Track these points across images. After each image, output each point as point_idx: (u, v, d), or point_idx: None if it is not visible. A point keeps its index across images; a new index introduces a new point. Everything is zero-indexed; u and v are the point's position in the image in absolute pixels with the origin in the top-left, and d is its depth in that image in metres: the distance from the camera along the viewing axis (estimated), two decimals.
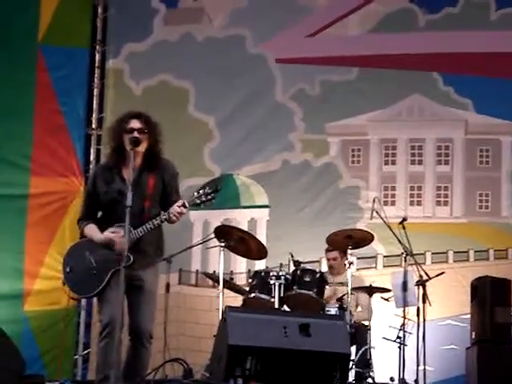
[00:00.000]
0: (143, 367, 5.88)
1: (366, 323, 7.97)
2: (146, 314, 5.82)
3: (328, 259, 8.48)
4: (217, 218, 9.46)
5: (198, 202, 5.81)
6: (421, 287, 7.93)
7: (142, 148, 5.90)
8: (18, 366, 6.22)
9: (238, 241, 7.92)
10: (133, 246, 5.71)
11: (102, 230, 5.88)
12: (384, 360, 8.09)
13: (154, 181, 5.91)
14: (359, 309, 8.29)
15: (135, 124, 5.90)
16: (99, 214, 6.02)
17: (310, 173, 9.67)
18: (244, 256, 8.47)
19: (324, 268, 8.69)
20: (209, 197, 5.81)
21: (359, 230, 8.48)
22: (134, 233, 5.76)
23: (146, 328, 5.80)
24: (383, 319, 8.26)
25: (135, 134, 5.85)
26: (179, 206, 5.75)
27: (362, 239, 8.10)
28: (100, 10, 10.04)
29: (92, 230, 5.91)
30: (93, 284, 5.81)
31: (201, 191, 5.83)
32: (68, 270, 5.91)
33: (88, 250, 5.88)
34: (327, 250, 8.42)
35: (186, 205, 5.77)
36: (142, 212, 5.83)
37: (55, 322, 9.04)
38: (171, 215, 5.75)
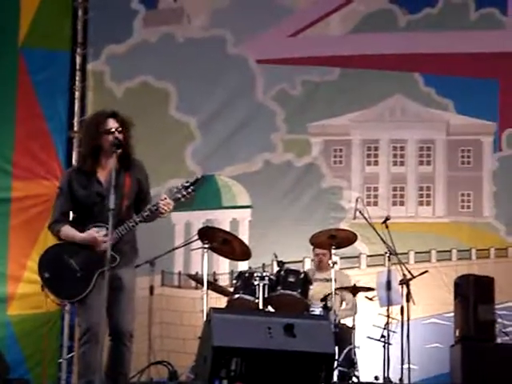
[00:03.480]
0: (125, 366, 5.82)
1: (351, 322, 7.99)
2: (126, 313, 5.78)
3: (317, 255, 8.47)
4: (198, 218, 9.46)
5: (179, 196, 5.77)
6: (404, 286, 7.97)
7: (119, 148, 5.83)
8: (2, 370, 6.21)
9: (222, 242, 7.91)
10: (112, 245, 5.67)
11: (78, 231, 5.81)
12: (368, 359, 8.11)
13: (130, 180, 5.85)
14: (344, 305, 8.31)
15: (113, 124, 5.84)
16: (71, 216, 5.95)
17: (292, 173, 9.68)
18: (228, 257, 8.48)
19: (307, 268, 8.71)
20: (189, 190, 5.78)
21: (343, 229, 8.51)
22: (117, 232, 5.73)
23: (126, 327, 5.76)
24: (367, 318, 8.28)
25: (116, 134, 5.81)
26: (162, 200, 5.73)
27: (345, 239, 8.13)
28: (80, 13, 9.99)
29: (71, 231, 5.82)
30: (78, 287, 5.74)
31: (179, 185, 5.82)
32: (47, 275, 5.80)
33: (66, 253, 5.80)
34: (316, 247, 8.42)
35: (168, 200, 5.75)
36: (119, 211, 5.77)
37: (39, 326, 9.00)
38: (159, 208, 5.71)
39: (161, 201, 5.73)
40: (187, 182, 5.83)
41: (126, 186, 5.84)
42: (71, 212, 5.96)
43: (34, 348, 9.00)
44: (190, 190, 5.79)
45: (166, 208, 5.74)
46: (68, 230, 5.83)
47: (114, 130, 5.80)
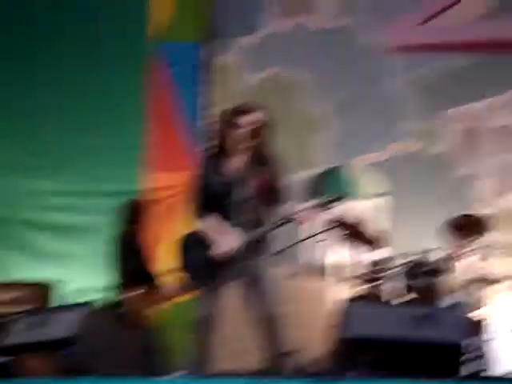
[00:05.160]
0: (281, 346, 5.89)
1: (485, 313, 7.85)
2: (266, 301, 5.88)
3: (451, 243, 8.33)
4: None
5: (322, 208, 5.80)
6: None
7: (252, 143, 5.90)
8: (139, 355, 6.38)
9: (354, 232, 7.90)
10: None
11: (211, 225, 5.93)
12: (502, 352, 7.93)
13: (264, 177, 5.91)
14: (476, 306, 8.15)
15: (247, 117, 5.91)
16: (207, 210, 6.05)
17: (424, 161, 9.56)
18: (359, 246, 8.44)
19: (441, 256, 8.59)
20: (334, 204, 5.80)
21: (477, 218, 8.31)
22: (252, 234, 5.79)
23: (270, 314, 5.86)
24: (504, 310, 8.10)
25: (244, 129, 5.86)
26: (301, 211, 5.76)
27: (478, 226, 7.98)
28: (212, 5, 10.13)
29: (208, 224, 5.94)
30: (206, 278, 5.89)
31: (326, 199, 5.81)
32: (184, 262, 5.99)
33: (203, 242, 5.94)
34: (451, 236, 8.28)
35: (307, 215, 5.78)
36: (251, 209, 5.87)
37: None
38: (297, 220, 5.77)
39: (299, 212, 5.75)
40: (333, 196, 5.85)
41: (258, 183, 5.89)
42: (208, 204, 6.03)
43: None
44: (334, 204, 5.80)
45: (302, 222, 5.76)
46: (206, 223, 5.95)
47: (246, 124, 5.85)
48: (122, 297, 7.49)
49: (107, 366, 5.68)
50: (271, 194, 5.94)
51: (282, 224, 5.86)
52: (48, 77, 9.87)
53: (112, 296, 7.66)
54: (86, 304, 6.03)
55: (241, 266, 5.75)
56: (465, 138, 9.61)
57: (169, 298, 7.59)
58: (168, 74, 9.82)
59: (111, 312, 6.04)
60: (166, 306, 7.54)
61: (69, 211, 9.82)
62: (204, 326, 5.84)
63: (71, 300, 8.11)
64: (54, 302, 8.47)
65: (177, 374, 6.40)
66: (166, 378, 6.73)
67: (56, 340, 5.76)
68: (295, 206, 5.85)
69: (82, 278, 9.37)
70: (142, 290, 7.52)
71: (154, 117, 9.74)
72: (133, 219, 7.97)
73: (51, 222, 9.85)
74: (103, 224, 9.54)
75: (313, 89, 9.89)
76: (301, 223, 5.87)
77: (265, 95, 9.56)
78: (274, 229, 5.86)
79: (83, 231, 9.70)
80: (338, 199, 5.81)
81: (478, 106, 9.53)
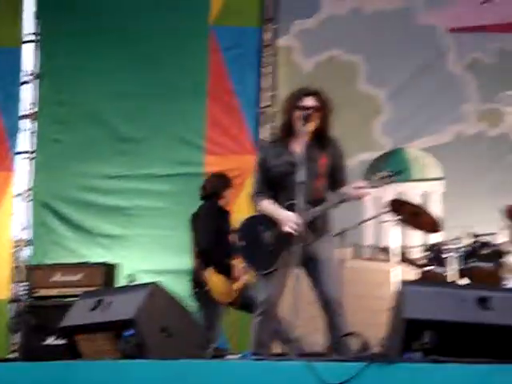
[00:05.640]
0: (342, 330, 5.88)
1: None
2: (329, 282, 5.87)
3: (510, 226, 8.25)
4: (389, 191, 9.38)
5: (379, 184, 5.81)
6: None
7: (313, 126, 5.92)
8: (201, 338, 6.42)
9: (412, 215, 7.85)
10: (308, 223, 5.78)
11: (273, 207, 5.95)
12: None
13: (326, 159, 5.92)
14: None
15: (309, 101, 5.92)
16: (271, 191, 6.05)
17: (484, 143, 9.43)
18: (418, 229, 8.38)
19: (501, 241, 8.49)
20: (390, 179, 5.79)
21: None
22: (312, 212, 5.80)
23: (332, 296, 5.84)
24: None
25: (309, 111, 5.87)
26: (361, 187, 5.77)
27: None
28: None
29: (270, 206, 5.95)
30: (267, 261, 5.89)
31: (381, 173, 5.81)
32: (243, 244, 6.03)
33: (264, 225, 5.96)
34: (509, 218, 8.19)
35: (363, 191, 5.79)
36: (314, 190, 5.86)
37: None
38: (353, 196, 5.78)
39: (356, 188, 5.76)
40: (391, 172, 5.81)
41: (320, 165, 5.90)
42: (271, 186, 6.04)
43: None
44: (391, 179, 5.79)
45: (358, 197, 5.77)
46: (267, 205, 5.96)
47: (307, 106, 5.87)
48: (203, 275, 7.55)
49: (167, 348, 5.74)
50: (333, 175, 5.96)
51: (342, 201, 5.86)
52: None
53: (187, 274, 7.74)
54: (148, 285, 6.09)
55: (304, 248, 5.77)
56: None
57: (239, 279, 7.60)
58: (224, 58, 9.85)
59: (171, 294, 6.10)
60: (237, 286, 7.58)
61: (130, 194, 9.94)
62: (267, 308, 5.87)
63: (135, 281, 8.23)
64: (118, 283, 8.59)
65: (239, 355, 6.45)
66: (227, 358, 6.79)
67: (117, 321, 5.82)
68: (354, 184, 5.86)
69: (145, 260, 9.49)
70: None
71: (213, 100, 9.78)
72: (218, 193, 7.88)
73: (114, 204, 9.98)
74: (166, 207, 9.67)
75: (371, 72, 9.84)
76: (359, 199, 5.87)
77: (323, 78, 9.52)
78: (333, 206, 5.86)
79: (146, 215, 9.80)
80: (395, 175, 5.79)
81: None
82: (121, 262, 9.00)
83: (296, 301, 5.58)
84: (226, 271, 7.53)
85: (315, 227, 5.89)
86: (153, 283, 6.14)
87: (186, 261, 9.41)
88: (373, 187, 5.85)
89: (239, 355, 6.36)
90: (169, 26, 9.90)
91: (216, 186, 7.85)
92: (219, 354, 6.85)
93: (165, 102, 9.83)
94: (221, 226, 7.59)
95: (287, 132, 5.99)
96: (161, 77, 9.85)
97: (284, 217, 5.84)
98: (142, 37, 9.95)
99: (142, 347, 5.68)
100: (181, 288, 7.52)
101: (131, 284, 7.66)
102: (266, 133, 9.90)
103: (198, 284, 7.60)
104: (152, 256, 9.52)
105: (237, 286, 7.54)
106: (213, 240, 7.53)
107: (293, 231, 5.75)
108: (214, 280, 7.52)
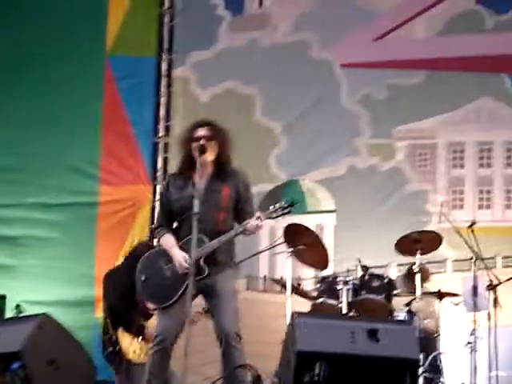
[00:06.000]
0: (236, 362, 5.83)
1: (436, 328, 7.89)
2: (226, 315, 5.85)
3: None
4: (283, 223, 9.45)
5: (274, 216, 5.86)
6: (492, 291, 7.83)
7: (211, 156, 5.93)
8: (90, 371, 6.31)
9: (305, 247, 7.89)
10: (207, 256, 5.79)
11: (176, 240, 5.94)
12: (455, 366, 7.98)
13: (229, 191, 5.94)
14: (427, 321, 8.18)
15: (202, 132, 5.95)
16: (174, 224, 6.04)
17: (376, 177, 9.61)
18: (307, 264, 8.41)
19: (391, 273, 8.63)
20: (285, 211, 5.85)
21: (427, 231, 8.38)
22: (208, 245, 5.81)
23: (229, 328, 5.81)
24: (454, 324, 8.16)
25: (201, 141, 5.90)
26: (255, 219, 5.79)
27: (430, 242, 8.02)
28: (166, 19, 10.13)
29: (169, 241, 5.95)
30: (167, 294, 5.87)
31: (277, 205, 5.87)
32: (143, 278, 5.99)
33: (162, 258, 5.95)
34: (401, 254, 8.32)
35: (262, 218, 5.81)
36: (216, 223, 5.88)
37: None
38: (248, 230, 5.80)
39: (250, 225, 5.79)
40: (285, 204, 5.87)
41: (222, 196, 5.92)
42: (173, 220, 6.04)
43: None
44: (285, 211, 5.85)
45: (254, 231, 5.82)
46: (166, 240, 5.97)
47: (200, 137, 5.88)
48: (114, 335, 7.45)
49: (55, 380, 5.62)
50: (239, 207, 5.97)
51: (238, 234, 5.88)
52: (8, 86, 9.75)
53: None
54: (37, 316, 5.96)
55: (201, 281, 5.76)
56: (415, 153, 9.69)
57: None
58: (119, 87, 9.77)
59: (60, 325, 5.98)
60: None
61: (18, 223, 9.71)
62: (164, 341, 5.83)
63: (24, 313, 8.04)
64: (6, 314, 8.39)
65: None
66: None
67: (3, 353, 5.68)
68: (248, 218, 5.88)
69: (34, 290, 9.29)
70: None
71: (108, 129, 9.69)
72: None
73: (0, 234, 9.74)
74: (56, 237, 9.50)
75: (267, 104, 9.92)
76: (253, 233, 5.89)
77: (220, 109, 9.55)
78: (229, 239, 5.86)
79: (36, 245, 9.60)
80: (290, 207, 5.85)
81: (429, 122, 9.62)
82: (9, 293, 8.79)
83: (188, 336, 5.56)
84: (138, 331, 7.45)
85: (215, 260, 5.89)
86: (42, 314, 6.02)
87: (76, 292, 9.30)
88: (268, 218, 5.88)
89: None
90: (64, 52, 9.75)
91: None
92: None
93: (58, 130, 9.67)
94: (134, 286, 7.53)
95: (188, 164, 5.99)
96: (54, 104, 9.68)
97: (176, 258, 5.85)
98: (35, 61, 9.75)
99: (29, 380, 5.55)
100: (71, 319, 7.40)
101: (19, 315, 7.50)
102: (162, 163, 9.86)
103: (111, 345, 7.49)
104: (41, 287, 9.33)
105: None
106: (123, 300, 7.45)
107: (183, 271, 5.74)
108: (126, 338, 7.44)
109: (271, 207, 5.88)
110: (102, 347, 7.57)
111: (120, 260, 7.93)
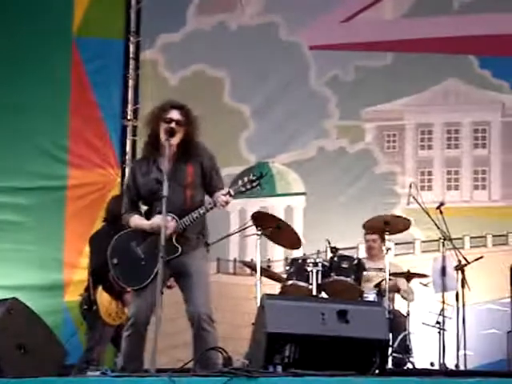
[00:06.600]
0: (210, 351, 5.80)
1: (405, 308, 7.95)
2: (198, 296, 5.83)
3: (367, 241, 8.44)
4: (253, 206, 9.46)
5: (243, 189, 5.86)
6: (460, 272, 7.90)
7: (177, 139, 5.91)
8: (60, 355, 6.29)
9: (275, 229, 7.91)
10: (178, 234, 5.78)
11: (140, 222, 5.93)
12: (424, 346, 8.06)
13: (193, 168, 5.92)
14: (402, 293, 8.23)
15: (174, 115, 5.91)
16: (143, 208, 6.03)
17: (345, 159, 9.64)
18: (280, 244, 8.45)
19: (361, 254, 8.68)
20: (254, 184, 5.84)
21: (396, 216, 8.44)
22: (180, 223, 5.80)
23: (201, 310, 5.80)
24: (422, 305, 8.22)
25: (172, 124, 5.87)
26: (224, 195, 5.77)
27: (399, 225, 8.07)
28: (133, 1, 10.06)
29: (139, 220, 5.94)
30: (142, 275, 5.84)
31: (245, 178, 5.86)
32: (115, 261, 5.96)
33: (134, 240, 5.93)
34: (367, 233, 8.39)
35: (232, 193, 5.79)
36: (184, 201, 5.87)
37: None
38: (218, 204, 5.78)
39: (222, 195, 5.77)
40: (253, 176, 5.86)
41: (187, 175, 5.90)
42: (140, 204, 6.04)
43: None
44: (254, 184, 5.84)
45: (224, 205, 5.79)
46: (136, 220, 5.95)
47: (172, 119, 5.85)
48: (93, 295, 7.44)
49: (24, 365, 5.60)
50: (206, 181, 5.95)
51: (205, 211, 5.86)
52: None
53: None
54: (6, 301, 5.93)
55: (174, 261, 5.75)
56: (383, 135, 9.73)
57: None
58: (86, 69, 9.70)
59: (29, 310, 5.96)
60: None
61: None
62: (136, 322, 5.82)
63: None
64: None
65: (96, 372, 6.34)
66: (87, 375, 6.67)
67: None
68: (216, 194, 5.87)
69: (2, 275, 9.24)
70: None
71: (75, 112, 9.61)
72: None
73: None
74: (25, 221, 9.43)
75: (236, 87, 9.90)
76: (223, 207, 5.87)
77: (189, 92, 9.51)
78: (200, 215, 5.84)
79: (4, 229, 9.54)
80: (258, 180, 5.83)
81: (397, 104, 9.65)
82: None
83: (158, 316, 5.55)
84: (118, 295, 7.44)
85: (187, 238, 5.88)
86: (11, 299, 5.99)
87: (45, 276, 9.25)
88: (239, 193, 5.87)
89: (99, 371, 6.26)
90: (31, 34, 9.64)
91: (117, 210, 7.77)
92: (79, 370, 6.73)
93: (25, 114, 9.58)
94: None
95: (153, 146, 5.96)
96: (20, 86, 9.58)
97: (156, 222, 5.80)
98: (2, 45, 9.65)
99: None
100: (40, 303, 7.38)
101: None
102: (131, 146, 9.82)
103: (88, 303, 7.48)
104: (10, 271, 9.27)
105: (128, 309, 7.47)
106: (106, 263, 7.44)
107: (172, 230, 5.72)
108: (103, 300, 7.43)
109: (240, 181, 5.87)
110: (80, 305, 7.61)
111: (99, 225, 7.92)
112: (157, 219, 5.82)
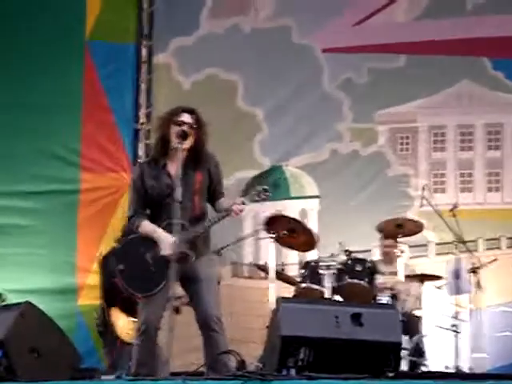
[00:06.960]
0: (218, 348, 5.81)
1: (417, 313, 7.93)
2: (207, 300, 5.83)
3: (384, 246, 8.42)
4: (267, 209, 9.45)
5: (257, 199, 5.87)
6: (474, 274, 7.87)
7: (188, 144, 5.91)
8: (74, 359, 6.30)
9: (289, 231, 7.90)
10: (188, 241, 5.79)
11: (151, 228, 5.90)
12: (438, 348, 8.03)
13: (201, 175, 5.93)
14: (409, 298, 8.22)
15: (186, 118, 5.91)
16: (147, 211, 6.02)
17: (358, 162, 9.62)
18: (294, 248, 8.44)
19: (375, 257, 8.66)
20: (266, 193, 5.86)
21: (409, 219, 8.42)
22: (193, 230, 5.81)
23: (210, 313, 5.80)
24: (436, 307, 8.20)
25: (184, 127, 5.87)
26: (239, 204, 5.80)
27: (412, 229, 8.06)
28: (146, 5, 10.08)
29: (150, 226, 5.90)
30: (150, 283, 5.83)
31: (258, 188, 5.87)
32: (121, 267, 5.92)
33: (142, 246, 5.90)
34: (383, 238, 8.37)
35: (246, 202, 5.82)
36: (192, 208, 5.87)
37: None
38: (232, 213, 5.80)
39: (236, 205, 5.79)
40: (265, 185, 5.91)
41: (196, 182, 5.90)
42: (147, 207, 6.01)
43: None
44: (267, 193, 5.87)
45: (238, 214, 5.82)
46: (146, 226, 5.90)
47: (184, 122, 5.86)
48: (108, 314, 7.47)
49: (37, 369, 5.61)
50: (211, 188, 5.97)
51: (219, 219, 5.87)
52: None
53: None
54: (19, 305, 5.94)
55: (184, 267, 5.75)
56: (396, 137, 9.71)
57: None
58: (99, 74, 9.71)
59: (42, 314, 5.98)
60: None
61: (1, 212, 9.66)
62: (146, 329, 5.83)
63: (7, 301, 8.01)
64: None
65: (112, 376, 6.36)
66: (102, 379, 6.69)
67: None
68: (233, 201, 5.88)
69: (15, 279, 9.26)
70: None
71: (88, 116, 9.62)
72: None
73: None
74: (37, 225, 9.45)
75: (249, 90, 9.90)
76: (236, 215, 5.88)
77: (202, 96, 9.52)
78: (213, 224, 5.86)
79: (16, 233, 9.55)
80: (270, 191, 5.87)
81: (410, 106, 9.63)
82: None
83: (171, 322, 5.55)
84: (132, 311, 7.45)
85: (195, 246, 5.88)
86: (24, 303, 5.99)
87: (58, 280, 9.25)
88: (252, 202, 5.90)
89: (114, 375, 6.28)
90: (44, 38, 9.67)
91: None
92: (92, 375, 6.74)
93: (38, 118, 9.59)
94: None
95: (163, 149, 5.96)
96: (33, 90, 9.59)
97: (163, 239, 5.81)
98: (15, 47, 9.67)
99: (11, 369, 5.53)
100: (53, 307, 7.37)
101: (1, 304, 7.48)
102: (143, 150, 9.84)
103: (103, 325, 7.50)
104: (23, 275, 9.29)
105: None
106: None
107: (171, 253, 5.73)
108: (119, 321, 7.45)
109: (253, 191, 5.90)
110: (95, 325, 7.68)
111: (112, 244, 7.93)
112: (166, 237, 5.80)
